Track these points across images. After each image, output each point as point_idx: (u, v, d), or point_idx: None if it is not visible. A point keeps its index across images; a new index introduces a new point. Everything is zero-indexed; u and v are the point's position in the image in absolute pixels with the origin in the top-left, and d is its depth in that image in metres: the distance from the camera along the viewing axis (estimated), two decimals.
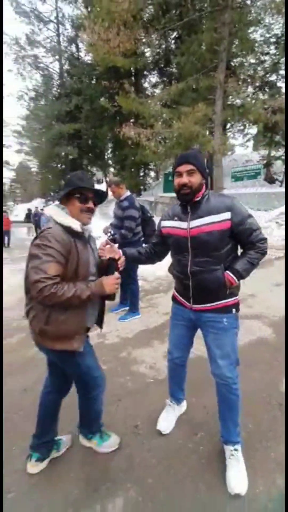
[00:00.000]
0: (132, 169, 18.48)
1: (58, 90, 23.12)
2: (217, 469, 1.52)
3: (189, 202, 1.46)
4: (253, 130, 18.06)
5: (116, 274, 1.40)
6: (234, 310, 1.51)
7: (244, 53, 12.88)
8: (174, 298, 1.73)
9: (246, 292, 4.21)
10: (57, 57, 22.55)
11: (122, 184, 3.29)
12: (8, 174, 44.91)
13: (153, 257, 1.74)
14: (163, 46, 16.86)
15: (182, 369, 1.80)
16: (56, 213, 1.33)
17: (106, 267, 1.45)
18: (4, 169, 33.96)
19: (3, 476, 1.52)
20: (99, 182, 30.42)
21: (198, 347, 1.94)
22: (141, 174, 20.74)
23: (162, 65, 18.33)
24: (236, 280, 1.42)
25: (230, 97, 12.57)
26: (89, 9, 15.71)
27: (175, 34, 16.32)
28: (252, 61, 13.95)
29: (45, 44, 22.24)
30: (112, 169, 26.53)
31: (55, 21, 21.82)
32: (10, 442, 1.75)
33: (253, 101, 11.66)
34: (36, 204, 26.20)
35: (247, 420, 1.83)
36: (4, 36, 20.52)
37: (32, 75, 23.16)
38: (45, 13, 21.70)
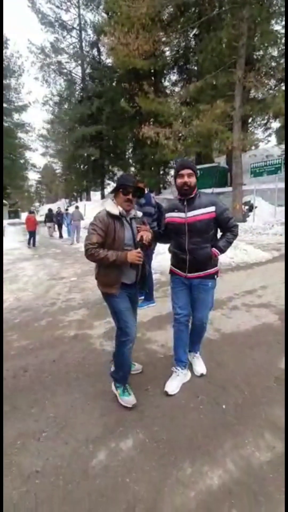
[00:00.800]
0: (152, 168, 18.74)
1: (81, 94, 23.90)
2: (212, 422, 1.79)
3: (187, 197, 1.99)
4: (276, 124, 17.66)
5: (139, 249, 1.85)
6: (215, 276, 2.12)
7: (266, 46, 12.66)
8: (171, 272, 2.22)
9: (257, 284, 4.37)
10: (79, 62, 23.34)
11: (140, 183, 3.62)
12: (34, 176, 46.99)
13: (164, 238, 2.24)
14: (182, 44, 16.93)
15: (186, 329, 2.21)
16: (107, 202, 1.96)
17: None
18: (30, 172, 35.59)
19: (39, 420, 1.90)
20: None
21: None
22: (161, 172, 20.96)
23: (182, 63, 18.40)
24: (219, 253, 2.04)
25: (252, 91, 12.42)
26: (109, 14, 16.15)
27: (194, 31, 16.32)
28: (275, 53, 13.64)
29: (69, 50, 23.16)
30: (133, 169, 26.95)
31: (77, 28, 22.61)
32: (43, 396, 2.13)
33: (276, 94, 11.47)
34: (60, 204, 27.21)
35: (244, 388, 2.07)
36: (31, 46, 21.68)
37: (56, 81, 24.20)
38: (68, 21, 22.59)
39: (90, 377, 2.34)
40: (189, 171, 1.94)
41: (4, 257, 9.78)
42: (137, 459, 1.57)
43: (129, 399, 2.00)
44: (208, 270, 2.06)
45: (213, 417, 1.83)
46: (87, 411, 1.96)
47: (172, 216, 2.06)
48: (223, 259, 5.91)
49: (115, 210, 1.87)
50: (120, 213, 1.88)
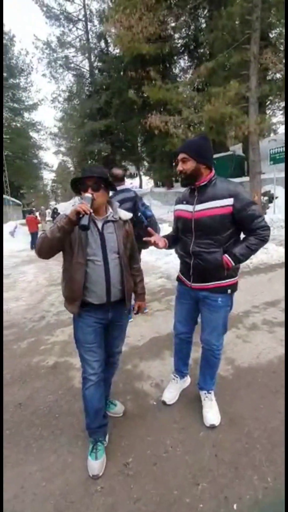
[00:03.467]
0: (163, 160, 17.89)
1: (89, 88, 23.33)
2: None
3: (191, 185, 1.62)
4: None
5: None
6: (229, 291, 1.62)
7: (283, 21, 11.39)
8: (178, 278, 1.85)
9: (281, 292, 3.61)
10: (86, 55, 22.70)
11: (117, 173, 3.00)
12: (49, 176, 47.27)
13: (175, 241, 1.80)
14: (192, 26, 15.80)
15: (187, 345, 1.92)
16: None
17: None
18: (44, 171, 35.70)
19: None
20: (132, 176, 30.31)
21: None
22: (173, 164, 20.02)
23: (192, 47, 17.25)
24: (233, 263, 1.51)
25: (270, 71, 11.29)
26: (113, 0, 15.34)
27: (205, 12, 15.14)
28: None
29: (75, 43, 22.53)
30: (145, 163, 26.22)
31: (83, 19, 21.94)
32: None
33: None
34: (72, 202, 27.01)
35: (266, 468, 1.40)
36: (36, 42, 21.30)
37: (64, 77, 23.71)
38: (73, 13, 21.94)
39: (56, 436, 1.76)
40: (182, 155, 1.56)
41: (10, 259, 9.51)
42: None
43: (92, 465, 1.49)
44: (218, 282, 1.60)
45: None
46: (39, 500, 1.38)
47: (180, 209, 1.70)
48: None
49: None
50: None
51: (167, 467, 1.48)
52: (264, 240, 1.52)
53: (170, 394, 1.95)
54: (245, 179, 12.14)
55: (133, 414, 1.88)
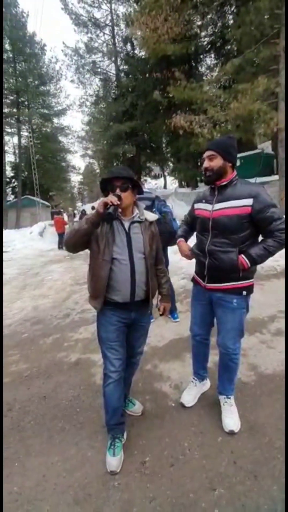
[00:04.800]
0: (187, 160, 17.72)
1: (115, 91, 23.76)
2: None
3: (212, 184, 1.61)
4: None
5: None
6: (244, 292, 1.60)
7: None
8: (193, 279, 1.84)
9: None
10: (113, 59, 23.14)
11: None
12: (76, 178, 48.82)
13: (189, 234, 1.93)
14: (219, 24, 15.50)
15: (205, 348, 1.92)
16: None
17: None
18: (72, 174, 36.93)
19: None
20: (157, 177, 30.35)
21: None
22: (198, 164, 19.74)
23: (219, 44, 16.91)
24: (249, 263, 1.50)
25: None
26: (139, 3, 15.49)
27: (233, 8, 14.79)
28: None
29: (102, 48, 23.07)
30: (170, 163, 26.17)
31: (110, 24, 22.39)
32: (15, 455, 1.68)
33: None
34: (96, 203, 27.69)
35: None
36: (65, 49, 22.09)
37: (91, 82, 24.36)
38: (101, 19, 22.47)
39: (77, 430, 1.83)
40: (210, 152, 1.57)
41: (39, 259, 9.96)
42: None
43: (110, 461, 1.53)
44: (232, 283, 1.59)
45: None
46: (60, 491, 1.45)
47: (199, 208, 1.72)
48: (266, 261, 4.96)
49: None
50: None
51: (184, 469, 1.48)
52: (281, 243, 1.48)
53: (189, 397, 1.94)
54: (275, 177, 11.67)
55: (152, 414, 1.89)
